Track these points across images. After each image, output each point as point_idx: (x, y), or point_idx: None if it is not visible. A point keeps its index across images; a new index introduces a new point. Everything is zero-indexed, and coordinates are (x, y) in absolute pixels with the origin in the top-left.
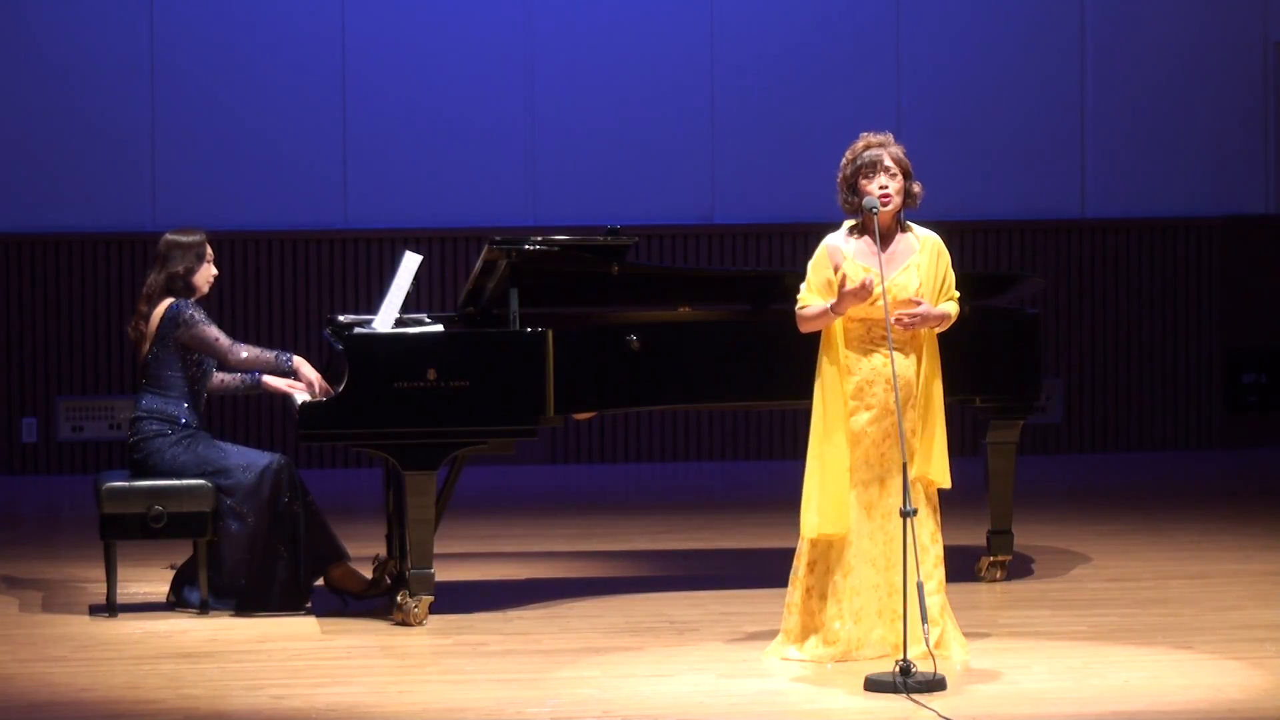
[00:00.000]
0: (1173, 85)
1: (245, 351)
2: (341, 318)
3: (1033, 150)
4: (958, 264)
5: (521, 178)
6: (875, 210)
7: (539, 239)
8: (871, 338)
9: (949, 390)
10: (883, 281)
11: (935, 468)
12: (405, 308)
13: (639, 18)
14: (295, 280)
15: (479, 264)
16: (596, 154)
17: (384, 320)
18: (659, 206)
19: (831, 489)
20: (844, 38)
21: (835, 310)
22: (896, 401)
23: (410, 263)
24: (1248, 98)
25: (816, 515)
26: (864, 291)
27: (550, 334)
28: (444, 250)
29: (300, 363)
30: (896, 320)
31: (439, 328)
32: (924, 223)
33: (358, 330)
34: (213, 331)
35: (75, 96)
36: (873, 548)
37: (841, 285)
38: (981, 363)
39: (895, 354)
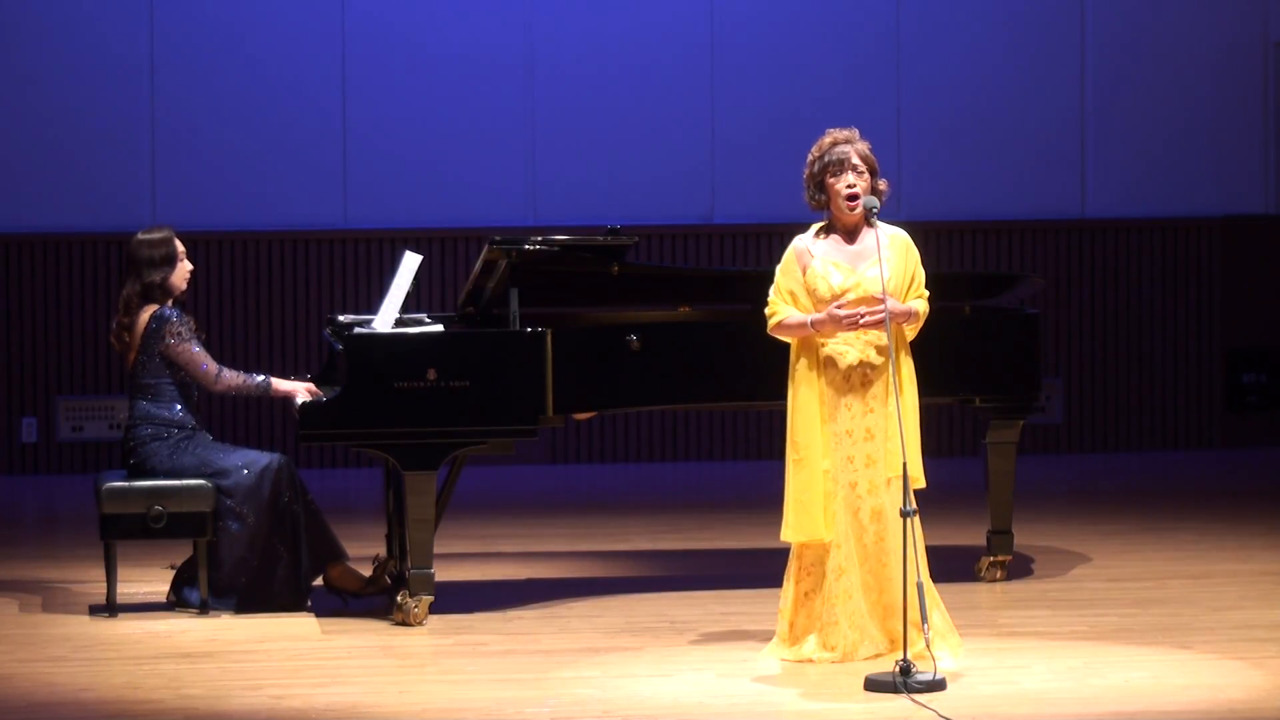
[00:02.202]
0: (1173, 85)
1: (228, 382)
2: (341, 318)
3: (1033, 150)
4: (960, 264)
5: (521, 178)
6: (875, 209)
7: (539, 239)
8: (846, 337)
9: (949, 390)
10: (883, 282)
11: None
12: (405, 308)
13: (640, 17)
14: (295, 280)
15: (479, 264)
16: (596, 154)
17: (384, 320)
18: (659, 206)
19: (808, 495)
20: (844, 37)
21: (815, 327)
22: (897, 401)
23: (410, 263)
24: (1248, 98)
25: (793, 521)
26: (851, 324)
27: (550, 334)
28: (444, 250)
29: (277, 383)
30: (854, 322)
31: (439, 328)
32: (925, 223)
33: (358, 330)
34: (199, 357)
35: (75, 96)
36: (862, 548)
37: (837, 306)
38: (981, 363)
39: (870, 350)
